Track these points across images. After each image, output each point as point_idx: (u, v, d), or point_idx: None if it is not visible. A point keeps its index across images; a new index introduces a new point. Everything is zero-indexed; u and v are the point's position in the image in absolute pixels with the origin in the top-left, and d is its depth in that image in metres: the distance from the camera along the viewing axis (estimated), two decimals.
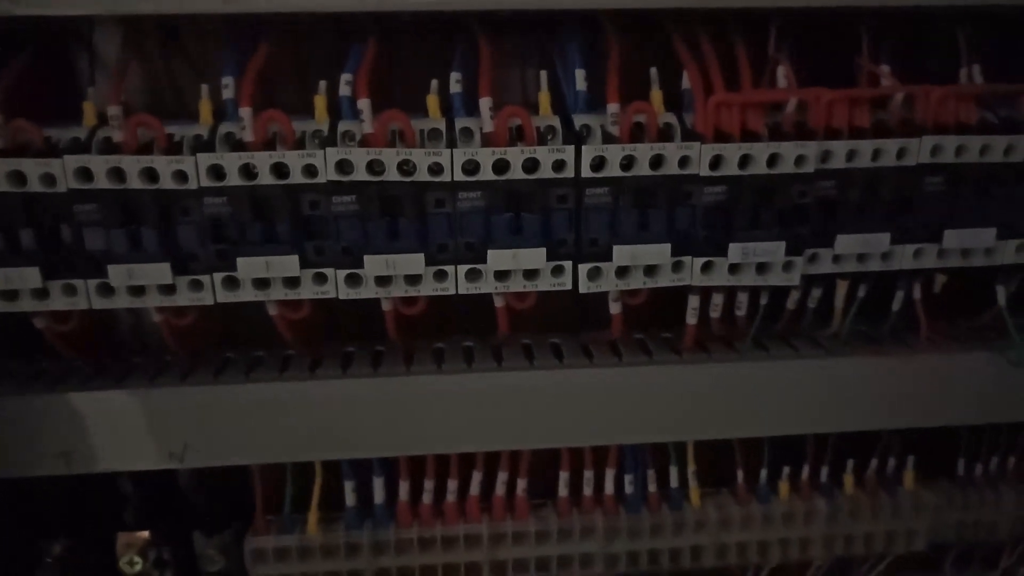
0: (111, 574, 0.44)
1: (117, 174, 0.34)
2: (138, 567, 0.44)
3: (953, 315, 0.45)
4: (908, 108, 0.37)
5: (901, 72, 0.38)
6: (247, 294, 0.36)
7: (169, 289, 0.35)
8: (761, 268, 0.38)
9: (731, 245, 0.37)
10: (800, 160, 0.36)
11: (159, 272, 0.35)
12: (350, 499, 0.43)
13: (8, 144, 0.34)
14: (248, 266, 0.35)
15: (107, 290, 0.35)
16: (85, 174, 0.34)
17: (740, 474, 0.46)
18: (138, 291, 0.35)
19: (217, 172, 0.34)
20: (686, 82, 0.37)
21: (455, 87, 0.36)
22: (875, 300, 0.41)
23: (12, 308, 0.35)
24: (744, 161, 0.36)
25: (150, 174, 0.34)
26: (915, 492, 0.47)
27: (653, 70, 0.37)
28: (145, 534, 0.44)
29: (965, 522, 0.48)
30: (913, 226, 0.38)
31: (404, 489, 0.43)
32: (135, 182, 0.34)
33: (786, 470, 0.46)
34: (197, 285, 0.36)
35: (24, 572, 0.44)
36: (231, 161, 0.34)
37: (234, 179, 0.34)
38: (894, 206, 0.38)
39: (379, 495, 0.43)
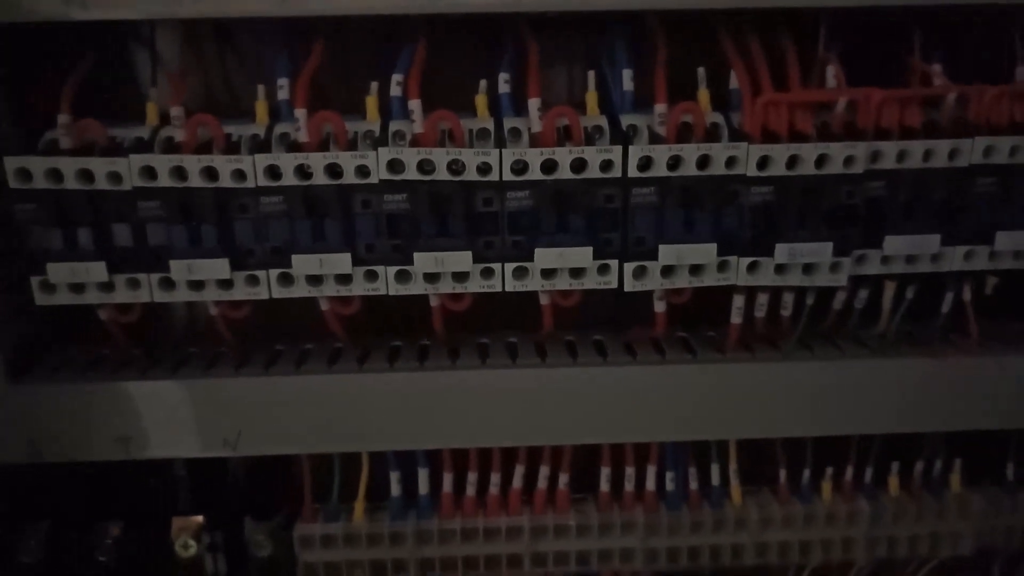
0: (166, 556, 0.45)
1: (179, 172, 0.35)
2: (192, 550, 0.45)
3: (1004, 317, 0.44)
4: (961, 108, 0.37)
5: (953, 71, 0.38)
6: (301, 290, 0.37)
7: (227, 284, 0.37)
8: (808, 268, 0.38)
9: (777, 245, 0.37)
10: (849, 161, 0.35)
11: (218, 267, 0.36)
12: (395, 489, 0.44)
13: (76, 143, 0.36)
14: (302, 263, 0.36)
15: (168, 284, 0.37)
16: (149, 172, 0.35)
17: (782, 473, 0.46)
18: (197, 285, 0.37)
19: (273, 172, 0.35)
20: (734, 82, 0.37)
21: (503, 87, 0.37)
22: (923, 301, 0.40)
23: (79, 300, 0.37)
24: (792, 162, 0.36)
25: (210, 173, 0.35)
26: (961, 495, 0.46)
27: (701, 69, 0.37)
28: (199, 519, 0.45)
29: (1014, 527, 0.47)
30: (964, 227, 0.38)
31: (448, 481, 0.44)
32: (196, 180, 0.35)
33: (829, 470, 0.46)
34: (253, 280, 0.37)
35: (84, 552, 0.45)
36: (287, 161, 0.35)
37: (289, 179, 0.35)
38: (945, 207, 0.37)
39: (424, 486, 0.44)
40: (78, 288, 0.37)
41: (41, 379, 0.40)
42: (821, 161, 0.35)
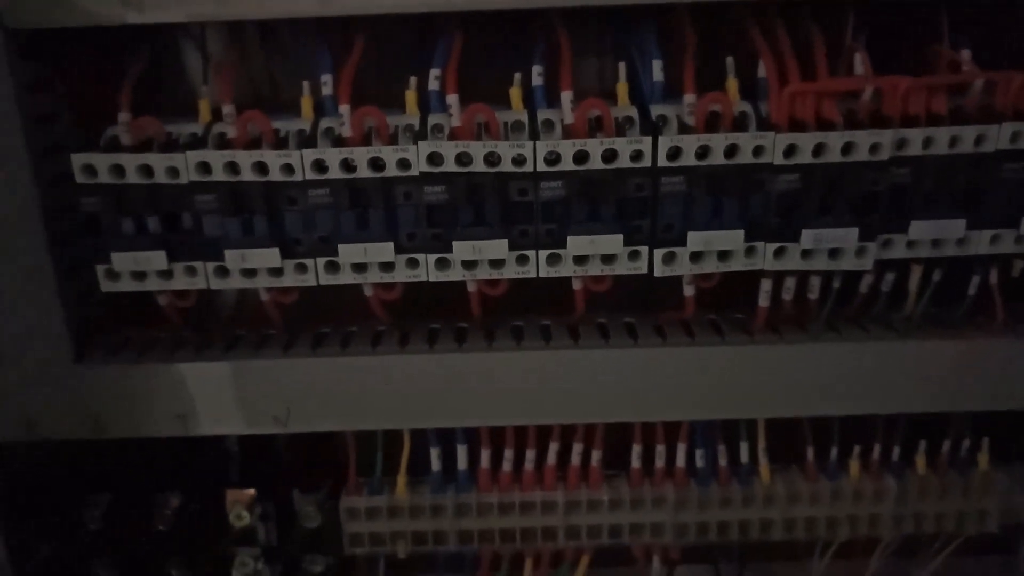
0: (221, 525, 0.47)
1: (232, 167, 0.37)
2: (245, 520, 0.47)
3: None
4: (988, 94, 0.37)
5: (982, 57, 0.38)
6: (346, 277, 0.39)
7: (277, 272, 0.39)
8: (833, 253, 0.38)
9: (804, 231, 0.37)
10: (875, 148, 0.36)
11: (269, 256, 0.38)
12: (435, 465, 0.46)
13: (135, 140, 0.38)
14: (348, 252, 0.38)
15: (223, 272, 0.39)
16: (204, 167, 0.37)
17: (810, 452, 0.47)
18: (250, 273, 0.39)
19: (320, 166, 0.37)
20: (762, 71, 0.38)
21: (536, 80, 0.38)
22: (950, 284, 0.41)
23: (141, 287, 0.39)
24: (818, 150, 0.36)
25: (261, 167, 0.37)
26: (988, 473, 0.47)
27: (729, 59, 0.38)
28: (252, 491, 0.47)
29: None
30: (990, 212, 0.38)
31: (485, 457, 0.46)
32: (248, 175, 0.37)
33: (857, 449, 0.46)
34: (302, 268, 0.39)
35: (144, 521, 0.48)
36: (332, 156, 0.36)
37: (335, 172, 0.37)
38: (970, 192, 0.38)
39: (462, 462, 0.46)
40: (140, 276, 0.39)
41: (103, 360, 0.42)
42: (847, 149, 0.36)
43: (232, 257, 0.38)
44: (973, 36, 0.38)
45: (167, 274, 0.39)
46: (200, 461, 0.49)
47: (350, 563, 0.49)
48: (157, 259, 0.38)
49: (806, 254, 0.38)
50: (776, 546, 0.49)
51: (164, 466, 0.48)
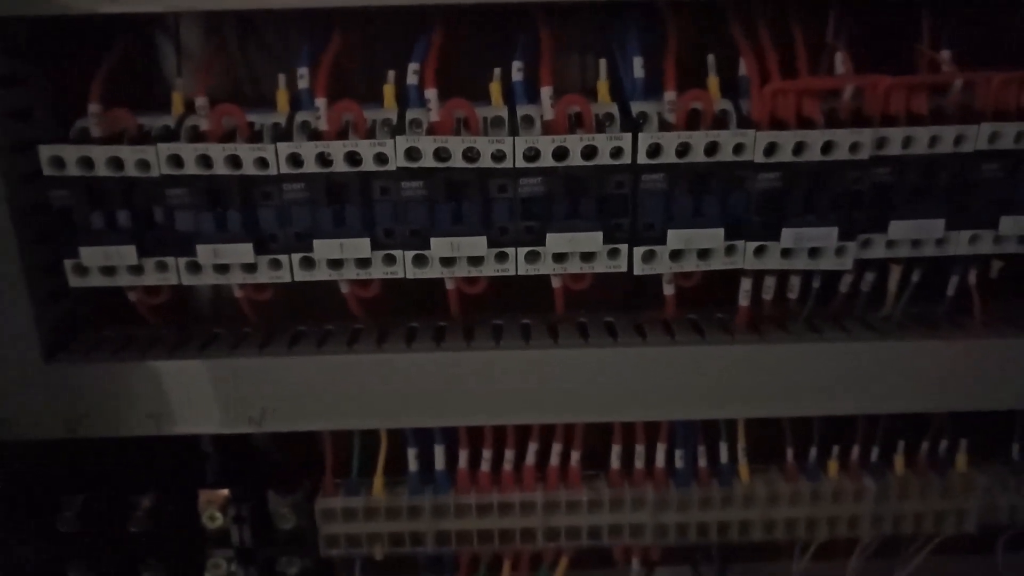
0: (194, 526, 0.47)
1: (205, 160, 0.36)
2: (218, 522, 0.46)
3: (1009, 300, 0.44)
4: (968, 94, 0.37)
5: (963, 57, 0.38)
6: (322, 273, 0.38)
7: (251, 267, 0.38)
8: (813, 252, 0.38)
9: (784, 230, 0.37)
10: (855, 147, 0.36)
11: (242, 252, 0.37)
12: (413, 465, 0.45)
13: (106, 132, 0.37)
14: (324, 247, 0.37)
15: (195, 267, 0.38)
16: (176, 160, 0.36)
17: (790, 452, 0.47)
18: (223, 269, 0.38)
19: (295, 160, 0.36)
20: (743, 69, 0.38)
21: (517, 75, 0.38)
22: (929, 284, 0.41)
23: (110, 283, 0.38)
24: (799, 148, 0.36)
25: (234, 161, 0.36)
26: (967, 473, 0.47)
27: (711, 57, 0.38)
28: (225, 492, 0.46)
29: (1018, 506, 0.48)
30: (969, 212, 0.38)
31: (463, 457, 0.45)
32: (221, 168, 0.36)
33: (836, 449, 0.46)
34: (276, 264, 0.38)
35: (117, 523, 0.47)
36: (308, 149, 0.36)
37: (311, 166, 0.36)
38: (950, 192, 0.38)
39: (440, 462, 0.45)
40: (109, 271, 0.38)
41: (75, 359, 0.41)
42: (827, 147, 0.36)
43: (204, 252, 0.37)
44: (955, 36, 0.38)
45: (137, 269, 0.38)
46: (174, 462, 0.48)
47: (326, 565, 0.48)
48: (127, 254, 0.37)
49: (786, 253, 0.38)
50: (756, 547, 0.49)
51: (138, 467, 0.47)
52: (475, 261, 0.38)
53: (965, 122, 0.36)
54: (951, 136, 0.36)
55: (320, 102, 0.36)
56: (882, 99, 0.37)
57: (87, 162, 0.36)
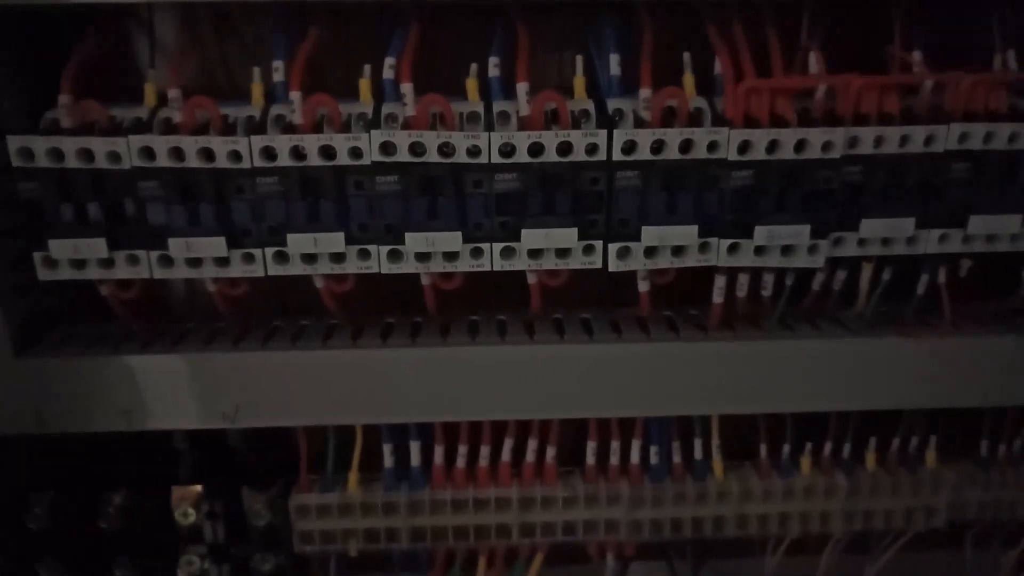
0: (167, 524, 0.46)
1: (177, 153, 0.36)
2: (192, 518, 0.46)
3: (978, 298, 0.45)
4: (939, 94, 0.38)
5: (935, 58, 0.39)
6: (296, 268, 0.38)
7: (223, 262, 0.38)
8: (786, 250, 0.39)
9: (757, 228, 0.38)
10: (827, 146, 0.36)
11: (215, 245, 0.37)
12: (388, 461, 0.45)
13: (76, 123, 0.37)
14: (297, 242, 0.37)
15: (167, 261, 0.38)
16: (148, 153, 0.36)
17: (763, 449, 0.47)
18: (195, 263, 0.38)
19: (269, 153, 0.36)
20: (718, 67, 0.38)
21: (493, 71, 0.38)
22: (900, 283, 0.41)
23: (80, 276, 0.38)
24: (772, 146, 0.37)
25: (207, 154, 0.36)
26: (936, 470, 0.48)
27: (686, 55, 0.38)
28: (198, 488, 0.46)
29: (986, 501, 0.49)
30: (939, 211, 0.39)
31: (439, 453, 0.45)
32: (193, 161, 0.36)
33: (808, 446, 0.47)
34: (250, 258, 0.38)
35: (88, 519, 0.47)
36: (282, 143, 0.36)
37: (285, 160, 0.36)
38: (920, 191, 0.38)
39: (415, 458, 0.45)
40: (79, 264, 0.38)
41: (46, 353, 0.41)
42: (800, 146, 0.36)
43: (176, 246, 0.37)
44: (926, 38, 0.39)
45: (108, 262, 0.38)
46: (147, 458, 0.48)
47: (301, 561, 0.48)
48: (97, 246, 0.37)
49: (759, 251, 0.38)
50: (730, 542, 0.49)
51: (109, 463, 0.47)
52: (450, 256, 0.38)
53: (935, 122, 0.37)
54: (921, 136, 0.37)
55: (295, 95, 0.36)
56: (854, 99, 0.37)
57: (57, 154, 0.36)
